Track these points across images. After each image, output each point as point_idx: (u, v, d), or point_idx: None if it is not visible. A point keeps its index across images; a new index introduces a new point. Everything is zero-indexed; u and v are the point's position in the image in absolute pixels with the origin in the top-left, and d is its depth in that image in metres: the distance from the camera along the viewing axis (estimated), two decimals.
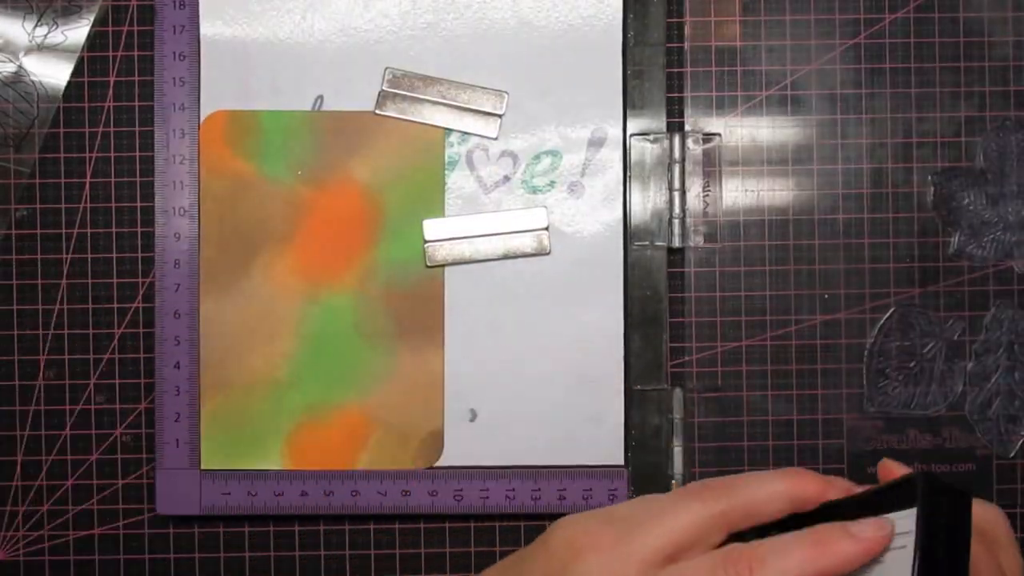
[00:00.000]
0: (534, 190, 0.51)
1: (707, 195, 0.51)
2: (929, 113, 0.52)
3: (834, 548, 0.35)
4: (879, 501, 0.37)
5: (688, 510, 0.36)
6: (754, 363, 0.52)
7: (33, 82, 0.49)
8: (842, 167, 0.52)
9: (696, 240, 0.51)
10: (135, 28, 0.52)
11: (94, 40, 0.52)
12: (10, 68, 0.49)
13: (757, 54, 0.52)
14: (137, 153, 0.52)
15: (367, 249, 0.51)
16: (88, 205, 0.51)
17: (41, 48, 0.49)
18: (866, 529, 0.36)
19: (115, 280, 0.51)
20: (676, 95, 0.52)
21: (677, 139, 0.51)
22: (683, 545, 0.35)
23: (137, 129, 0.52)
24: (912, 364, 0.51)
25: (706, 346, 0.52)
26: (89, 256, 0.51)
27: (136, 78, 0.52)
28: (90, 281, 0.51)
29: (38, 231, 0.51)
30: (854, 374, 0.52)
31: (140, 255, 0.51)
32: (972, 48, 0.52)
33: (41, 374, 0.52)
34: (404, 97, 0.51)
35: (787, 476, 0.39)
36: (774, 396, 0.52)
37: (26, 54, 0.51)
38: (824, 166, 0.52)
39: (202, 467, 0.50)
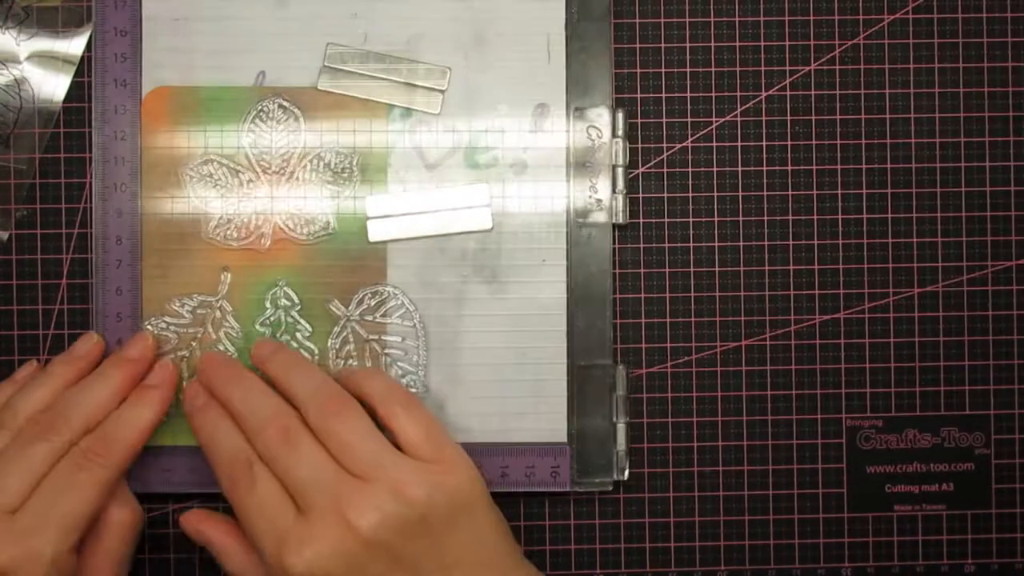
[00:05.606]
0: (477, 166, 0.51)
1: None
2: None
3: None
4: None
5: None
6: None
7: (17, 79, 0.50)
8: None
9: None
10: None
11: (93, 41, 0.51)
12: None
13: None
14: None
15: None
16: (88, 205, 0.51)
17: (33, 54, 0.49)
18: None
19: None
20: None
21: (620, 114, 0.51)
22: None
23: None
24: None
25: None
26: (89, 256, 0.51)
27: None
28: (91, 281, 0.51)
29: (38, 231, 0.51)
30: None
31: None
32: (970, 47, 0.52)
33: None
34: (346, 72, 0.51)
35: None
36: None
37: (28, 58, 0.51)
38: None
39: None
